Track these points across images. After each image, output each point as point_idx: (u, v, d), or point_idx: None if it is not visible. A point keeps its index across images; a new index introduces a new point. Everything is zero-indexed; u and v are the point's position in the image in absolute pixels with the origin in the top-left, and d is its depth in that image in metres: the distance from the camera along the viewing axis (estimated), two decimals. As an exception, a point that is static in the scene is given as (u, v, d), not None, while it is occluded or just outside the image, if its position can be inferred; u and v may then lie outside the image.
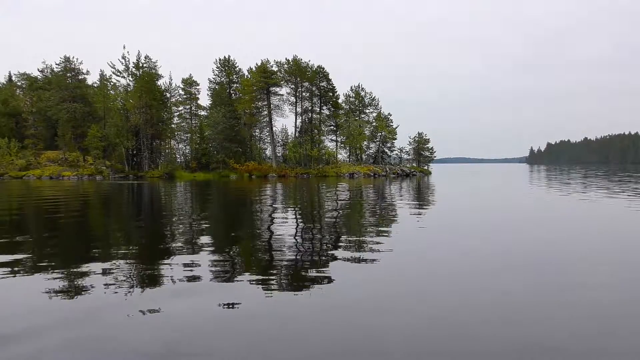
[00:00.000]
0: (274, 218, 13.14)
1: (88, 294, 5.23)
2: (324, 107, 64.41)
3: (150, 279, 5.97)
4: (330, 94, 63.28)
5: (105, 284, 5.60)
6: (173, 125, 63.22)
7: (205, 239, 9.27)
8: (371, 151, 70.00)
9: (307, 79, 61.46)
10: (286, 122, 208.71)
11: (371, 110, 68.63)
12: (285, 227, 10.98)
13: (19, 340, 3.90)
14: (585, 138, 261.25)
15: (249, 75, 63.05)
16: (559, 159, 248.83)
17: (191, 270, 6.32)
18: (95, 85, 63.26)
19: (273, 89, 62.05)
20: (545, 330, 4.07)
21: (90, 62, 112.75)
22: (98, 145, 54.76)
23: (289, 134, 69.25)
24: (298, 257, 7.29)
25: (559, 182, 32.57)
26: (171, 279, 5.88)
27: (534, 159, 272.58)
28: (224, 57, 66.24)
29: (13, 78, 67.61)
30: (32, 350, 3.70)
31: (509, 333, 4.07)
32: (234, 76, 66.56)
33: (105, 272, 6.26)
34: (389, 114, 68.27)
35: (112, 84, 61.49)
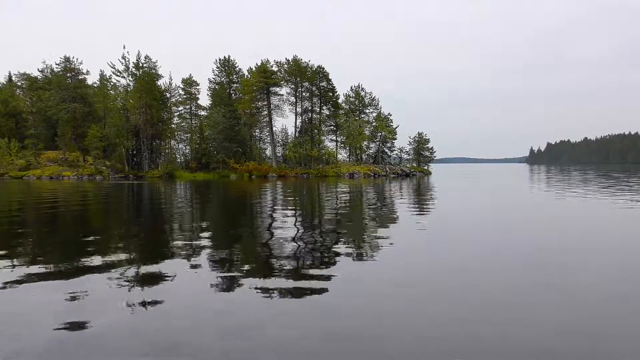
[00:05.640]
0: (273, 218, 13.14)
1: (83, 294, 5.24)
2: (324, 107, 64.44)
3: (149, 282, 5.98)
4: (330, 94, 63.31)
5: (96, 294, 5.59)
6: (173, 125, 63.30)
7: (205, 238, 9.26)
8: (371, 151, 70.01)
9: (307, 79, 61.51)
10: (286, 122, 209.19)
11: (371, 110, 68.67)
12: (285, 227, 10.96)
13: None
14: (585, 138, 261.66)
15: (249, 76, 63.09)
16: (559, 159, 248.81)
17: (192, 270, 6.33)
18: (95, 85, 63.28)
19: (273, 89, 62.09)
20: (545, 331, 4.07)
21: (90, 62, 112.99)
22: (98, 145, 54.76)
23: (289, 134, 69.34)
24: (298, 258, 7.28)
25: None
26: (171, 277, 5.89)
27: (534, 159, 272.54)
28: (224, 57, 66.41)
29: (13, 78, 67.71)
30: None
31: (509, 334, 4.07)
32: (234, 76, 66.66)
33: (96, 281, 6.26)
34: (389, 114, 68.27)
35: (112, 84, 61.53)
